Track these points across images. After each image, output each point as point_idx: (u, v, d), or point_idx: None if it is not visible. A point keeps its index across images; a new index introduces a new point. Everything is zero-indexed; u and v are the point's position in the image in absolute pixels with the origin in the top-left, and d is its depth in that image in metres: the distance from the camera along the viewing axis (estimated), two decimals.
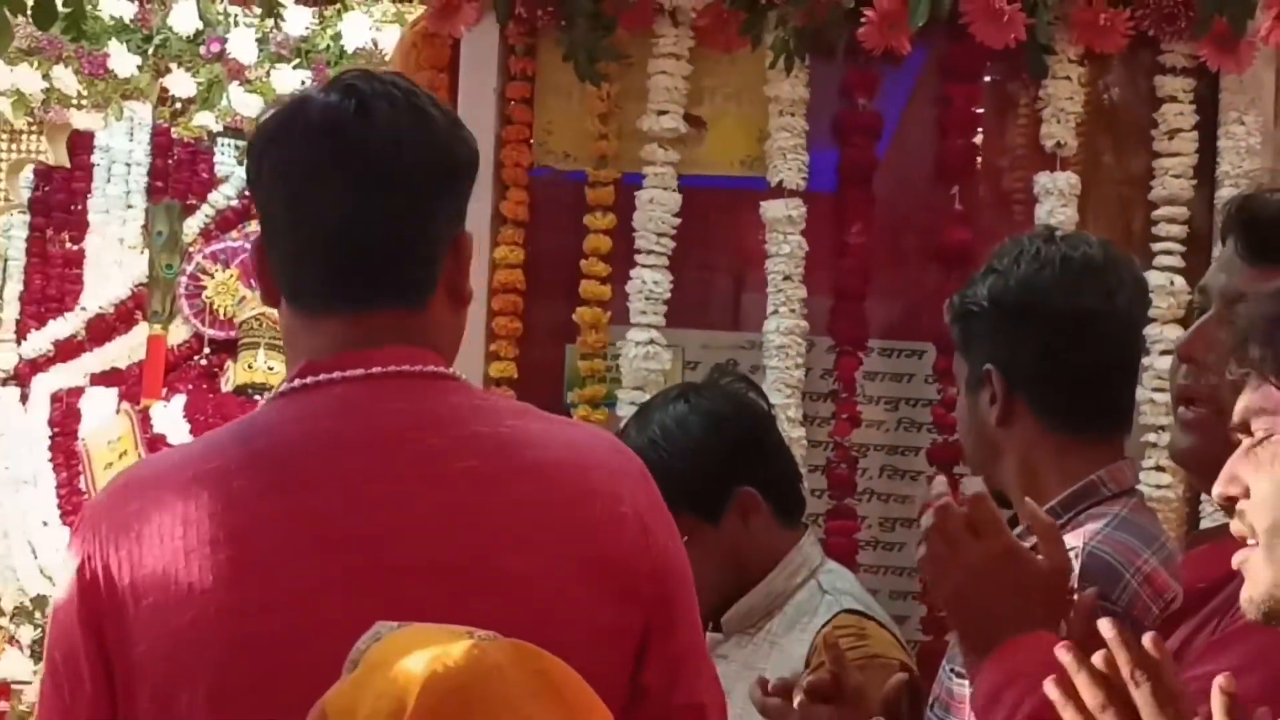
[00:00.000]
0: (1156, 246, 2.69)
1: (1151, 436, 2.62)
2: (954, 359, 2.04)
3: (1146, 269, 2.60)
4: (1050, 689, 1.29)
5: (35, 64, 5.34)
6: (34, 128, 5.79)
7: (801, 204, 2.71)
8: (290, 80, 5.89)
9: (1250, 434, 1.29)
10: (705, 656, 1.52)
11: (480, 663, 1.10)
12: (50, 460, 6.10)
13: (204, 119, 6.34)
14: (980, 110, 2.78)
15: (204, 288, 6.60)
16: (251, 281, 5.99)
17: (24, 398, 6.33)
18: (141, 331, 6.31)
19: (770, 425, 2.42)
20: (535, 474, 1.42)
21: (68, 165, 6.17)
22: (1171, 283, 2.66)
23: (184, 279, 6.28)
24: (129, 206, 6.52)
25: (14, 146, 5.82)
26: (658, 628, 1.44)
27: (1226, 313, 1.58)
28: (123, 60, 5.43)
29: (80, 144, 6.31)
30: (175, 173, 6.42)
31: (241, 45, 5.41)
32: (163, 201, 6.38)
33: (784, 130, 2.71)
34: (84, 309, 6.49)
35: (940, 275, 2.69)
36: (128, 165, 6.47)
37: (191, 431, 5.72)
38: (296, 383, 1.44)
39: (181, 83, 5.55)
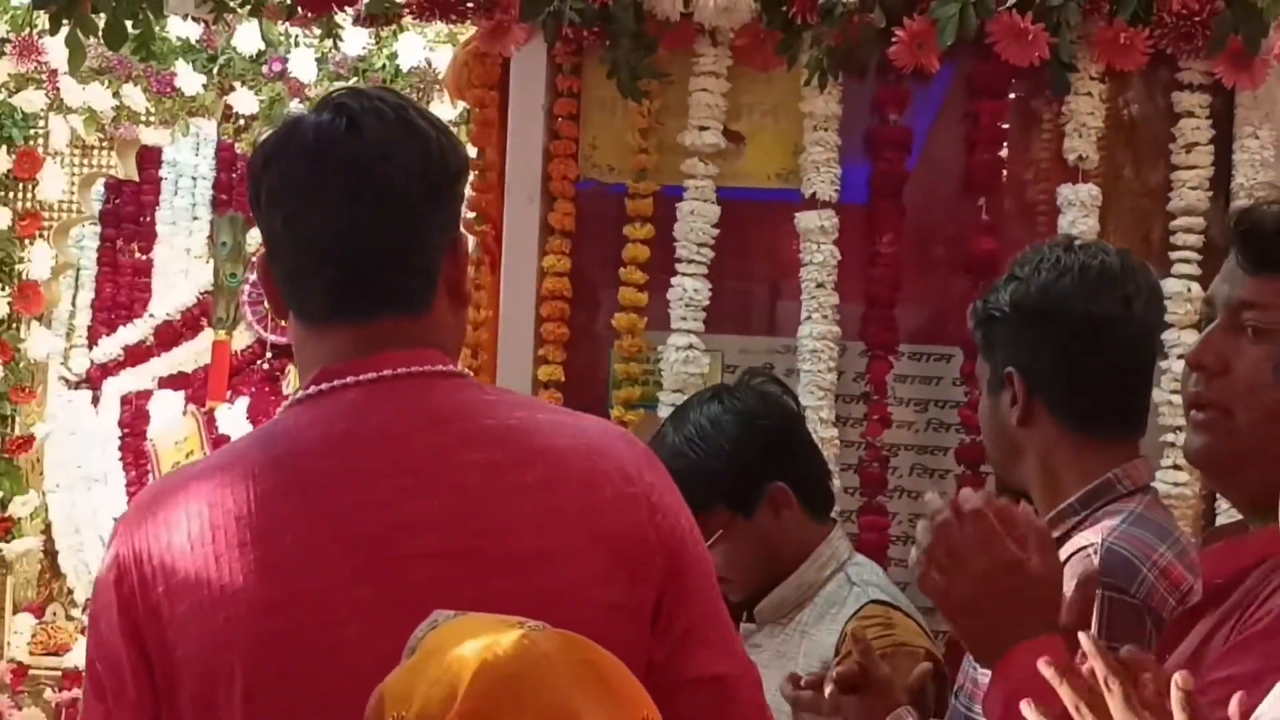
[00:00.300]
0: (1174, 255, 2.71)
1: (1169, 437, 2.64)
2: (976, 361, 2.07)
3: (1165, 277, 2.61)
4: (1043, 669, 1.28)
5: (106, 83, 5.32)
6: (104, 143, 5.77)
7: (834, 215, 2.75)
8: None
9: None
10: (726, 629, 1.51)
11: (530, 652, 1.11)
12: (120, 459, 6.13)
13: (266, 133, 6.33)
14: (1006, 125, 2.79)
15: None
16: None
17: (95, 400, 6.32)
18: (206, 337, 6.30)
19: (800, 424, 2.45)
20: (544, 460, 1.43)
21: (137, 179, 6.07)
22: (1189, 290, 2.67)
23: (247, 287, 6.24)
24: (195, 218, 6.52)
25: (86, 161, 5.81)
26: (669, 604, 1.44)
27: (1231, 322, 1.62)
28: (189, 79, 5.41)
29: (148, 159, 6.31)
30: (239, 186, 6.38)
31: (302, 65, 5.37)
32: (227, 214, 6.37)
33: (818, 145, 2.74)
34: (152, 316, 6.48)
35: (968, 283, 2.71)
36: (194, 179, 6.50)
37: None
38: (312, 389, 1.46)
39: (245, 100, 5.52)
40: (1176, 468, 2.64)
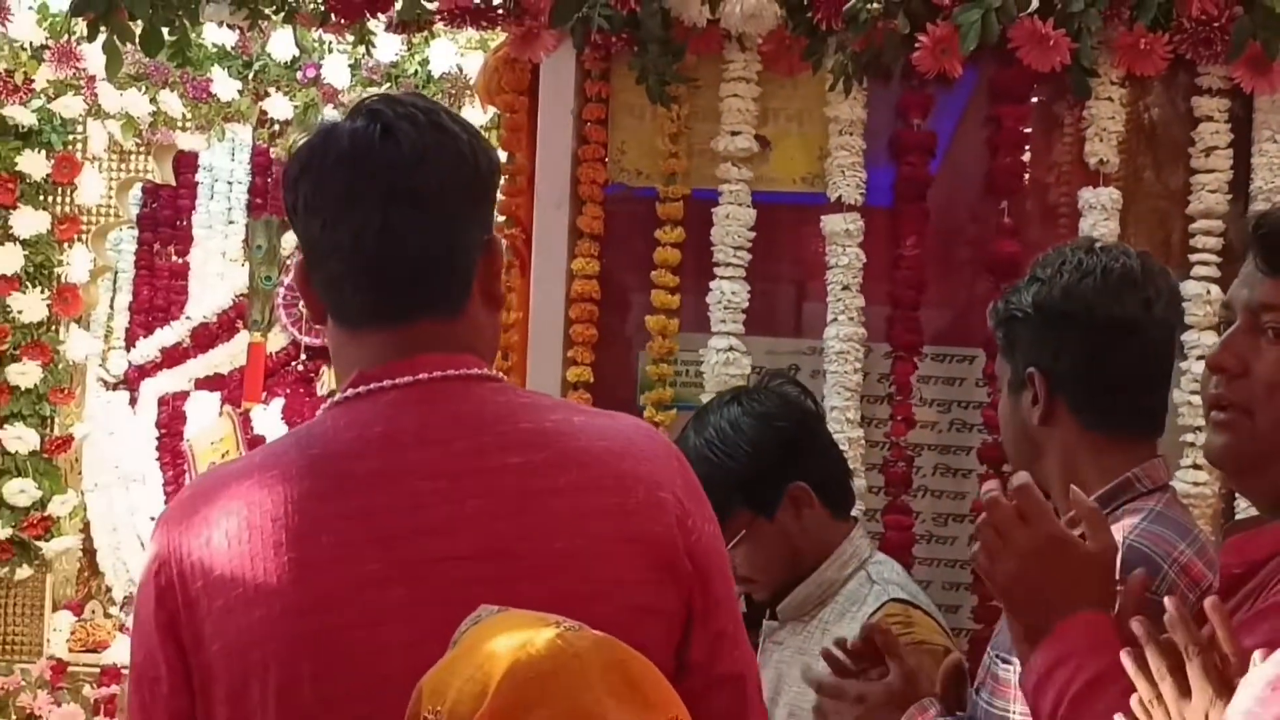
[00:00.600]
0: (1194, 257, 2.72)
1: (1189, 437, 2.66)
2: (996, 361, 2.08)
3: (1184, 279, 2.64)
4: (1125, 659, 1.34)
5: (143, 89, 5.35)
6: (142, 148, 5.82)
7: (859, 218, 2.77)
8: None
9: None
10: (742, 630, 1.53)
11: (563, 652, 1.12)
12: (158, 459, 6.19)
13: (301, 140, 6.37)
14: (1028, 130, 2.80)
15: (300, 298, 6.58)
16: None
17: (133, 401, 6.39)
18: (242, 339, 6.36)
19: (819, 424, 2.46)
20: (578, 463, 1.43)
21: (173, 183, 6.09)
22: (1208, 292, 2.68)
23: (282, 290, 6.31)
24: (230, 222, 6.58)
25: (123, 166, 5.86)
26: (699, 606, 1.46)
27: (1251, 324, 1.64)
28: (224, 85, 5.44)
29: (185, 163, 6.39)
30: (274, 190, 6.45)
31: (335, 71, 5.39)
32: (262, 217, 6.44)
33: (843, 149, 2.76)
34: (189, 318, 6.54)
35: (990, 285, 2.72)
36: (229, 183, 6.57)
37: None
38: (350, 392, 1.46)
39: (279, 106, 5.55)
40: (1196, 467, 2.65)
